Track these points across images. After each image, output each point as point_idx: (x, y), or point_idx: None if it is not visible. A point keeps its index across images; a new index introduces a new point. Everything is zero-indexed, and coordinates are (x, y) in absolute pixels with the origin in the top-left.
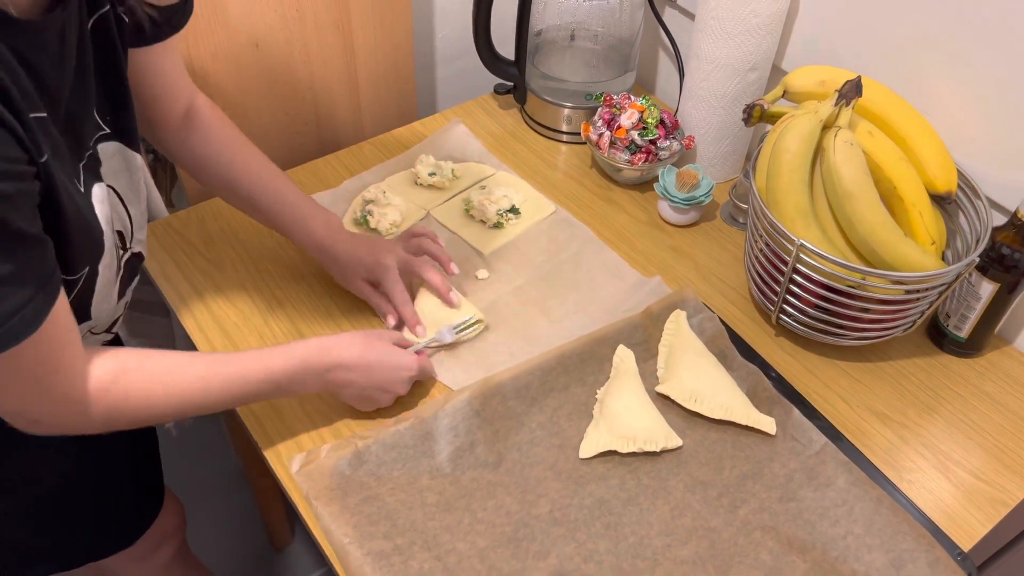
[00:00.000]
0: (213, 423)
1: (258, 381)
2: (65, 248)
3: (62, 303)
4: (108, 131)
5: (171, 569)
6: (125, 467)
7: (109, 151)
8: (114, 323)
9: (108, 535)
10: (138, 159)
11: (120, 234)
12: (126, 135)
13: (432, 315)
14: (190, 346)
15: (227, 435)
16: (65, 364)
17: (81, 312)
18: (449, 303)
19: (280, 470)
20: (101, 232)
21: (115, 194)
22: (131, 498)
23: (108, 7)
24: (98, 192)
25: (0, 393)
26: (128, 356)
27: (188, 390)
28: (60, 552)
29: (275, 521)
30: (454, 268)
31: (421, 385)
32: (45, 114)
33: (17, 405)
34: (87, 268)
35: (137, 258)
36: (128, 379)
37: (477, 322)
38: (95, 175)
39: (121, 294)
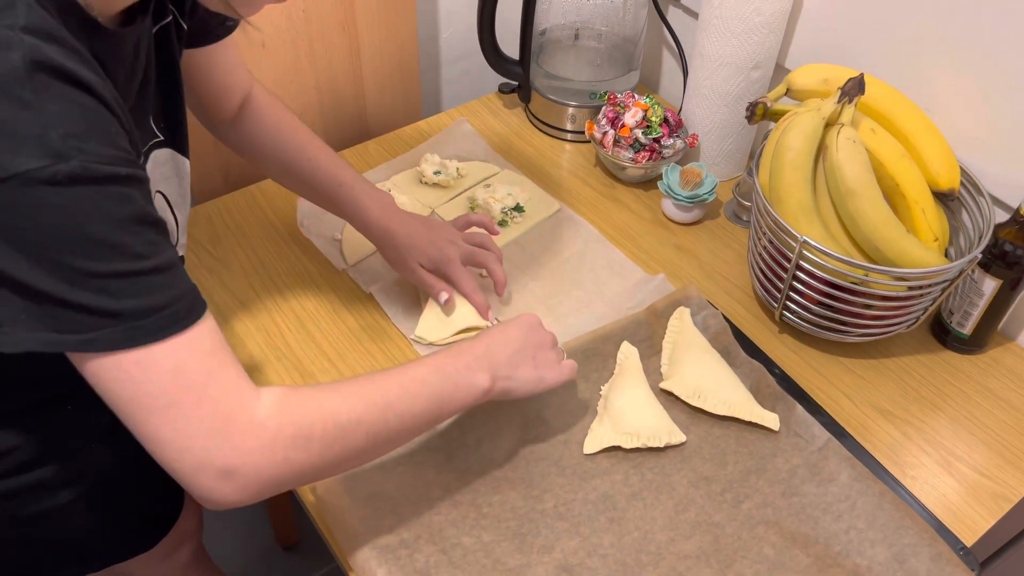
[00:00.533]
0: None
1: (423, 368)
2: None
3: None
4: (162, 138)
5: (188, 569)
6: (155, 466)
7: (162, 158)
8: None
9: (133, 536)
10: (187, 165)
11: None
12: (178, 142)
13: (445, 321)
14: None
15: None
16: (233, 374)
17: None
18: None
19: None
20: None
21: (164, 199)
22: (157, 498)
23: (171, 17)
24: None
25: (173, 431)
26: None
27: (358, 389)
28: (89, 554)
29: (282, 519)
30: (505, 294)
31: None
32: None
33: (196, 444)
34: None
35: (181, 261)
36: (294, 393)
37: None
38: None
39: None
